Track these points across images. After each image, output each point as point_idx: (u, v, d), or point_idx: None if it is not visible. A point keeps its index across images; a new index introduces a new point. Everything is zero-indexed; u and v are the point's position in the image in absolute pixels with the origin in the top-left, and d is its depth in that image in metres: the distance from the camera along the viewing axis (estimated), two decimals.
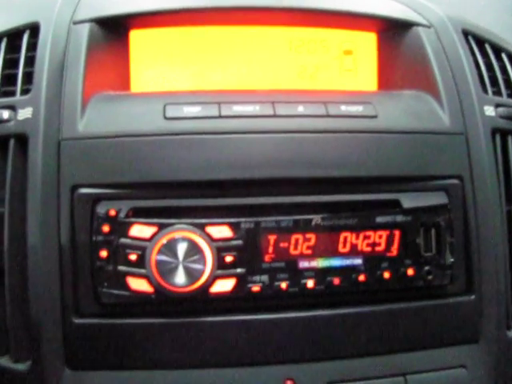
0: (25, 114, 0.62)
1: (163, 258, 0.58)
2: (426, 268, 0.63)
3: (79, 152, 0.61)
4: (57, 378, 0.60)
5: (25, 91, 0.64)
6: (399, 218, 0.63)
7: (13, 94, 0.65)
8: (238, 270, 0.60)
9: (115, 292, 0.59)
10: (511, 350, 0.67)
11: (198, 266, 0.58)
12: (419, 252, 0.63)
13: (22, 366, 0.60)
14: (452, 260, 0.64)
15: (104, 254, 0.59)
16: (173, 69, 0.72)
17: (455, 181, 0.66)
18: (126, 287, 0.59)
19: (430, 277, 0.63)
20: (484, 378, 0.65)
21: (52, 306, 0.60)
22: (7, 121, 0.63)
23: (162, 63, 0.71)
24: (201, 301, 0.60)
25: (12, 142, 0.62)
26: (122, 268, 0.59)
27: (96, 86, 0.66)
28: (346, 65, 0.75)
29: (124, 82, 0.70)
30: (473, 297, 0.66)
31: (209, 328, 0.61)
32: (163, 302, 0.60)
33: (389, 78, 0.75)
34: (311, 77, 0.74)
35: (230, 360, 0.61)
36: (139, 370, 0.61)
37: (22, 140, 0.62)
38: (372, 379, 0.62)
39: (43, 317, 0.60)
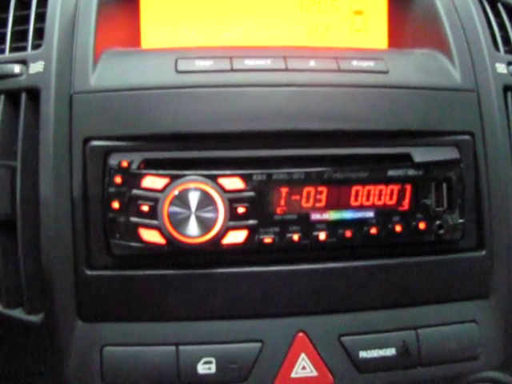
0: (36, 67, 0.62)
1: (175, 209, 0.58)
2: (438, 223, 0.63)
3: (91, 105, 0.61)
4: (69, 329, 0.60)
5: (36, 46, 0.64)
6: (411, 172, 0.63)
7: (24, 49, 0.65)
8: (250, 222, 0.60)
9: (127, 243, 0.59)
10: None
11: (210, 215, 0.58)
12: (430, 207, 0.63)
13: (34, 318, 0.61)
14: (463, 215, 0.64)
15: (116, 205, 0.59)
16: (183, 26, 0.71)
17: (467, 137, 0.66)
18: (138, 239, 0.59)
19: (441, 231, 0.63)
20: (494, 332, 0.66)
21: (64, 259, 0.60)
22: (19, 75, 0.63)
23: (172, 20, 0.71)
24: (213, 252, 0.60)
25: (24, 96, 0.62)
26: (134, 219, 0.59)
27: (107, 42, 0.66)
28: (357, 25, 0.75)
29: (135, 39, 0.70)
30: (483, 252, 0.66)
31: (221, 280, 0.61)
32: (175, 253, 0.60)
33: (399, 37, 0.74)
34: (321, 36, 0.74)
35: (242, 312, 0.61)
36: (151, 322, 0.61)
37: (34, 94, 0.62)
38: (383, 332, 0.63)
39: (55, 269, 0.60)
